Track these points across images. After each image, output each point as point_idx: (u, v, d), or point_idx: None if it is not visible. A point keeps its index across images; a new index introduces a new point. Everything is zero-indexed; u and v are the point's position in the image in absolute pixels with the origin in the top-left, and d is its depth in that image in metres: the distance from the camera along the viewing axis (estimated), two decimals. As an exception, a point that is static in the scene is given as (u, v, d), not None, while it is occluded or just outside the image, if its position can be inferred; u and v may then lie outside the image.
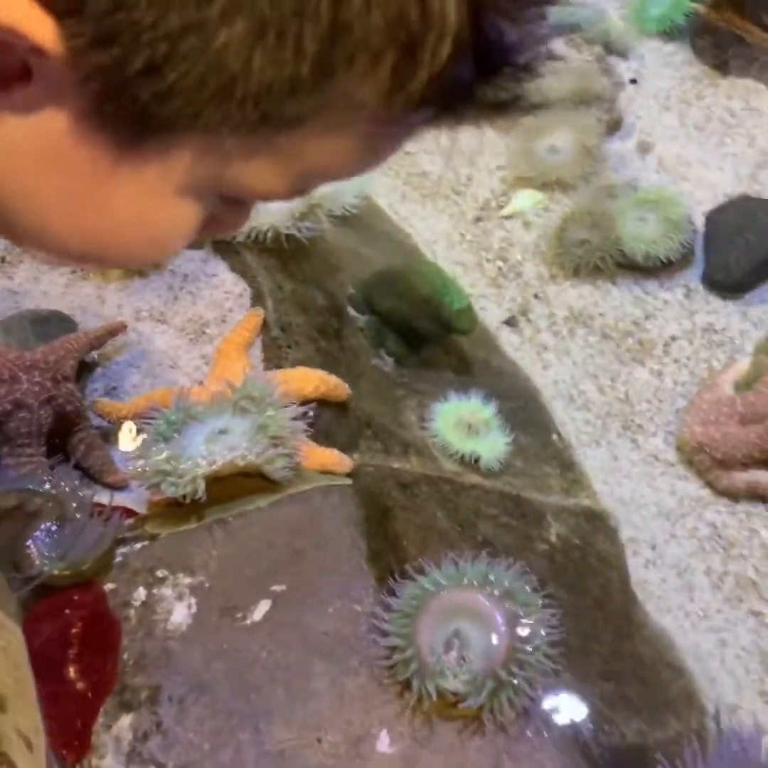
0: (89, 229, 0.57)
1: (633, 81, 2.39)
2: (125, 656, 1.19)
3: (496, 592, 1.18)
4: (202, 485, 1.23)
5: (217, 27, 0.44)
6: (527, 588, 1.20)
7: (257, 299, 1.67)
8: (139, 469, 1.29)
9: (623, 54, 2.43)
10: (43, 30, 0.44)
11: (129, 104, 0.47)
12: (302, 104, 0.48)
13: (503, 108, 0.53)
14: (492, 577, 1.19)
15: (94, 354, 1.61)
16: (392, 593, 1.21)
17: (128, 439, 1.52)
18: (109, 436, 1.52)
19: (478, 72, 0.49)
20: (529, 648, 1.13)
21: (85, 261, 0.63)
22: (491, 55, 0.49)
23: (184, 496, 1.25)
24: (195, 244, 1.77)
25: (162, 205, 0.55)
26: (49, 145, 0.52)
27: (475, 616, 1.17)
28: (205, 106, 0.47)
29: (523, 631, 1.15)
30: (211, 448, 1.28)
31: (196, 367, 1.59)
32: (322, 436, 1.46)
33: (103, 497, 1.41)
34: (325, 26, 0.44)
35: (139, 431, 1.46)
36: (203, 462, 1.24)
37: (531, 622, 1.15)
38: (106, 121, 0.49)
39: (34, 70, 0.48)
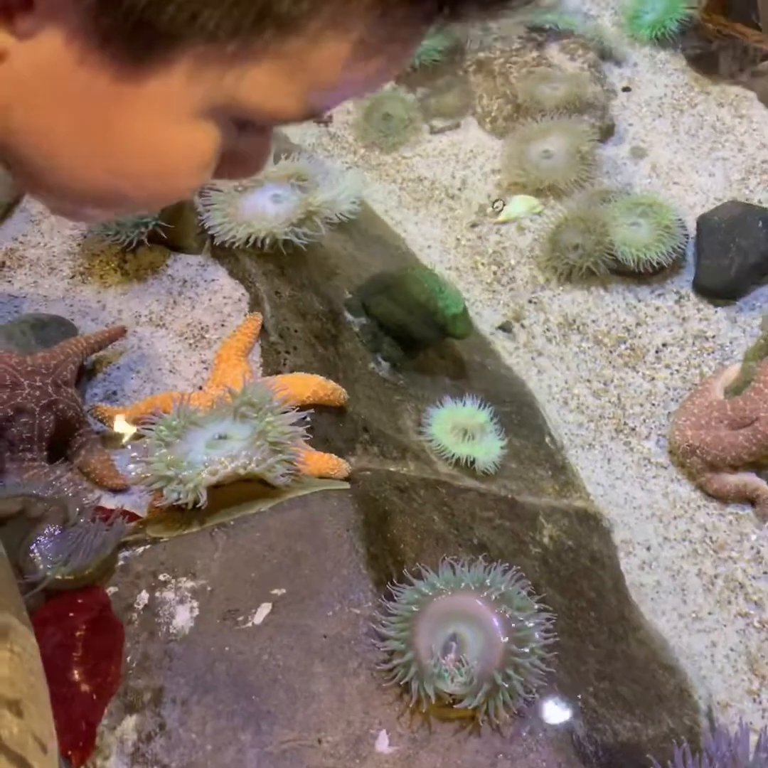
0: (101, 161, 0.56)
1: (626, 89, 2.42)
2: (128, 659, 1.21)
3: (492, 596, 1.20)
4: (204, 494, 1.25)
5: None
6: (523, 592, 1.22)
7: (255, 304, 1.69)
8: (140, 474, 1.31)
9: (617, 60, 2.46)
10: None
11: (125, 15, 0.47)
12: (296, 1, 0.47)
13: (499, 4, 0.52)
14: (488, 581, 1.22)
15: (94, 358, 1.62)
16: (391, 597, 1.23)
17: (128, 443, 1.53)
18: (109, 440, 1.54)
19: None
20: (524, 651, 1.15)
21: (102, 202, 0.61)
22: None
23: (186, 504, 1.27)
24: (194, 250, 1.79)
25: (172, 128, 0.54)
26: (52, 70, 0.50)
27: (472, 619, 1.19)
28: (200, 7, 0.47)
29: (519, 635, 1.17)
30: (212, 454, 1.30)
31: (195, 372, 1.61)
32: (320, 441, 1.48)
33: (104, 502, 1.43)
34: None
35: (139, 436, 1.47)
36: (205, 471, 1.26)
37: (526, 625, 1.18)
38: (104, 38, 0.49)
39: None
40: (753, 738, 1.27)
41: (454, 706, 1.14)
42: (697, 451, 1.77)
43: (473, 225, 2.20)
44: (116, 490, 1.46)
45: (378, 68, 0.54)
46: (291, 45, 0.50)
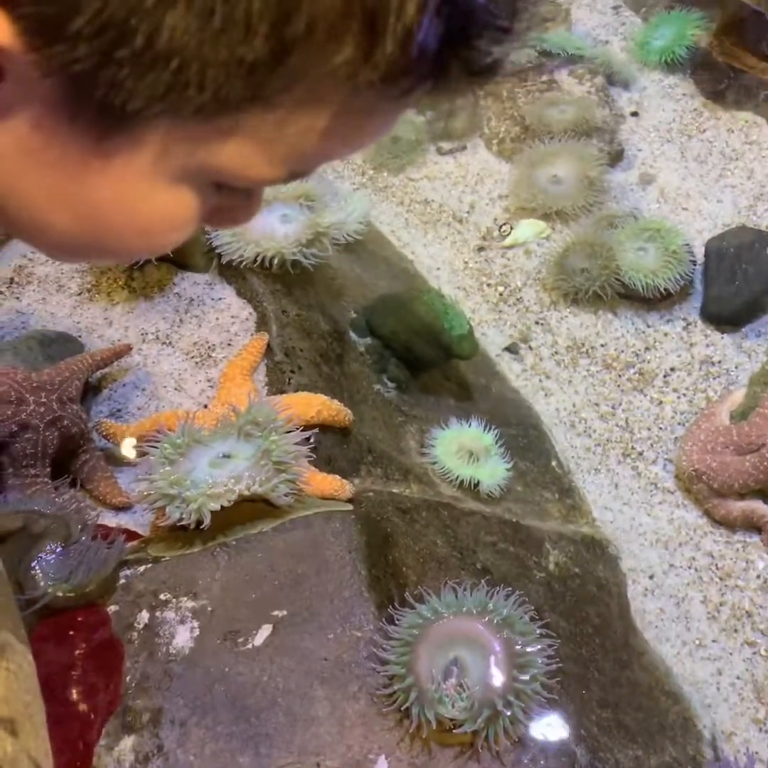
0: (84, 222, 0.57)
1: (634, 113, 2.42)
2: (127, 678, 1.20)
3: (494, 621, 1.19)
4: (208, 516, 1.25)
5: (158, 10, 0.43)
6: (525, 617, 1.21)
7: (262, 324, 1.69)
8: (144, 493, 1.31)
9: (625, 85, 2.47)
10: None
11: (88, 95, 0.48)
12: (266, 82, 0.47)
13: (485, 72, 0.50)
14: (491, 606, 1.21)
15: (99, 375, 1.62)
16: (392, 621, 1.22)
17: (132, 460, 1.53)
18: (113, 457, 1.54)
19: (451, 39, 0.47)
20: (525, 678, 1.14)
21: (90, 255, 0.64)
22: (463, 17, 0.47)
23: (189, 523, 1.26)
24: (201, 268, 1.79)
25: (147, 193, 0.54)
26: (27, 144, 0.52)
27: (474, 644, 1.18)
28: (162, 92, 0.47)
29: (521, 660, 1.16)
30: (216, 474, 1.30)
31: (201, 391, 1.61)
32: (323, 461, 1.48)
33: (106, 519, 1.43)
34: (273, 3, 0.43)
35: (143, 454, 1.47)
36: (209, 498, 1.25)
37: (528, 651, 1.16)
38: (72, 114, 0.50)
39: (5, 71, 0.48)
40: (759, 768, 1.25)
41: (454, 731, 1.12)
42: (704, 477, 1.76)
43: (480, 248, 2.20)
44: (119, 508, 1.46)
45: (360, 135, 0.54)
46: (263, 120, 0.50)
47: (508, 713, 1.12)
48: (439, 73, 0.49)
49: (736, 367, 1.97)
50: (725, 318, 2.02)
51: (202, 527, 1.26)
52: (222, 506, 1.26)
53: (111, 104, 0.48)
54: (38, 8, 0.45)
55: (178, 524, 1.29)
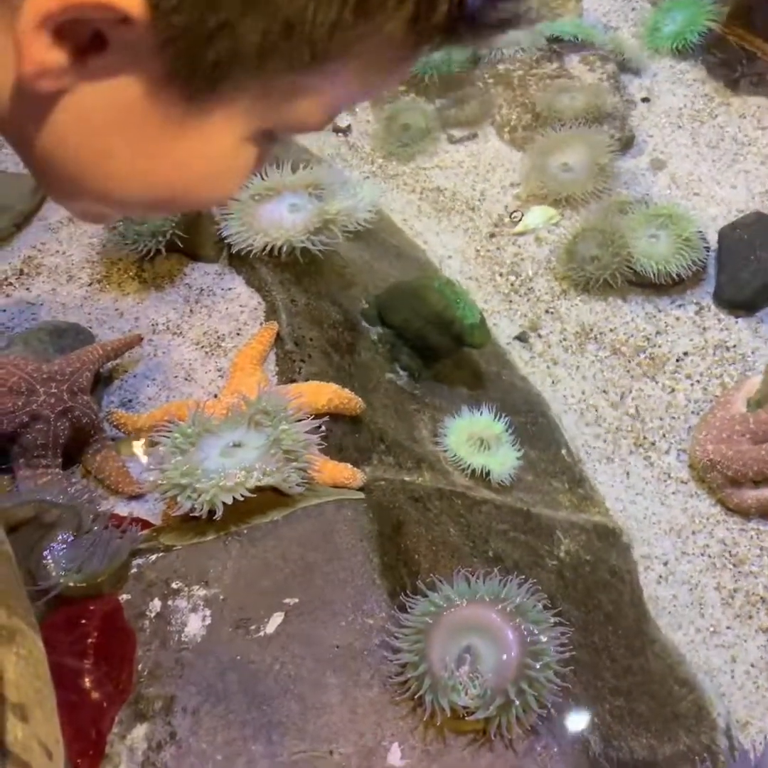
0: (159, 179, 0.62)
1: (645, 100, 2.40)
2: (140, 667, 1.20)
3: (507, 609, 1.18)
4: (221, 508, 1.25)
5: None
6: (538, 605, 1.20)
7: (271, 313, 1.68)
8: (155, 482, 1.30)
9: (636, 72, 2.45)
10: (130, 1, 0.50)
11: (202, 61, 0.53)
12: (343, 40, 0.55)
13: (505, 24, 0.59)
14: (503, 594, 1.20)
15: (110, 366, 1.62)
16: (404, 609, 1.21)
17: (144, 450, 1.53)
18: (125, 447, 1.54)
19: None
20: (538, 665, 1.14)
21: (154, 208, 0.72)
22: None
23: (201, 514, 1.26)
24: (211, 258, 1.79)
25: (225, 151, 0.60)
26: (123, 108, 0.56)
27: (487, 632, 1.18)
28: (267, 54, 0.54)
29: (533, 648, 1.15)
30: (227, 463, 1.30)
31: (211, 380, 1.61)
32: (335, 449, 1.47)
33: (118, 509, 1.43)
34: None
35: (155, 443, 1.47)
36: (222, 491, 1.25)
37: (541, 639, 1.16)
38: (177, 79, 0.55)
39: (111, 40, 0.52)
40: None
41: (467, 719, 1.12)
42: (718, 466, 1.75)
43: (491, 235, 2.19)
44: (131, 497, 1.46)
45: (389, 81, 0.63)
46: (328, 75, 0.57)
47: (521, 700, 1.11)
48: (466, 28, 0.57)
49: (752, 353, 1.95)
50: (739, 303, 2.00)
51: (214, 518, 1.26)
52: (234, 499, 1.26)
53: (222, 66, 0.54)
54: None
55: (189, 514, 1.29)
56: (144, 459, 1.51)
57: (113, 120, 0.57)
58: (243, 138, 0.60)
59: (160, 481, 1.30)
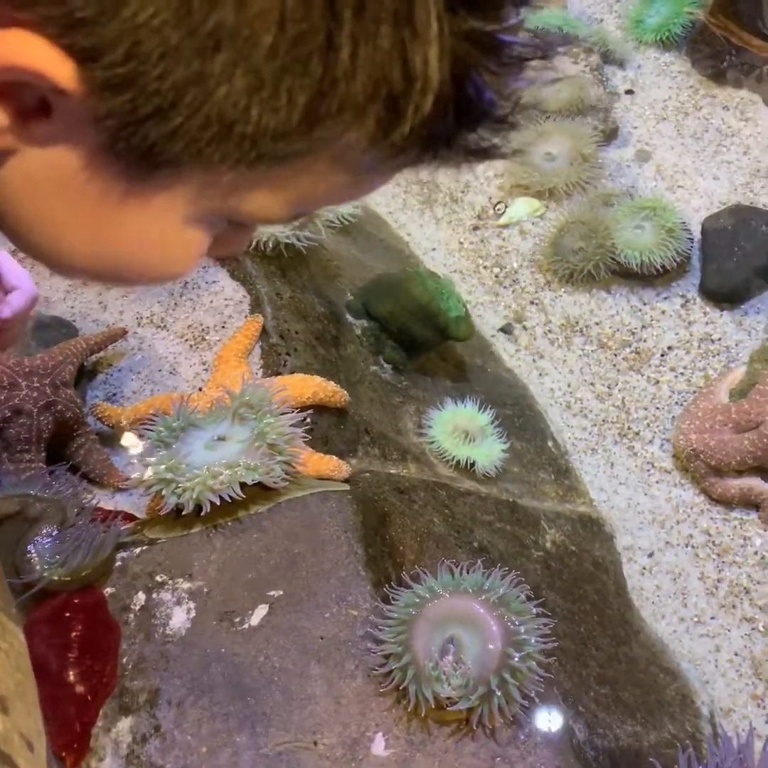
0: (104, 252, 0.61)
1: (629, 92, 2.41)
2: (124, 660, 1.20)
3: (491, 600, 1.19)
4: (208, 505, 1.25)
5: (218, 80, 0.49)
6: (522, 596, 1.21)
7: (256, 306, 1.68)
8: (140, 476, 1.30)
9: (621, 64, 2.45)
10: (64, 72, 0.48)
11: (138, 143, 0.52)
12: (295, 144, 0.53)
13: (482, 154, 0.57)
14: (487, 585, 1.20)
15: (94, 359, 1.62)
16: (388, 601, 1.22)
17: (128, 443, 1.53)
18: (109, 440, 1.54)
19: (458, 123, 0.53)
20: (521, 656, 1.14)
21: (100, 279, 0.68)
22: (471, 108, 0.53)
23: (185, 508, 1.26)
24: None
25: (170, 233, 0.59)
26: (64, 177, 0.55)
27: (470, 623, 1.18)
28: (206, 147, 0.52)
29: (516, 639, 1.16)
30: (211, 457, 1.30)
31: (195, 374, 1.61)
32: (320, 442, 1.47)
33: (102, 503, 1.43)
34: (315, 82, 0.49)
35: (139, 436, 1.47)
36: (208, 491, 1.25)
37: (524, 630, 1.16)
38: (117, 156, 0.53)
39: (54, 108, 0.51)
40: (758, 744, 1.25)
41: (449, 709, 1.12)
42: (701, 456, 1.76)
43: (475, 228, 2.19)
44: (115, 490, 1.45)
45: (364, 188, 0.61)
46: (285, 174, 0.55)
47: (503, 690, 1.12)
48: (443, 148, 0.55)
49: (736, 345, 1.95)
50: (724, 294, 2.01)
51: (201, 514, 1.26)
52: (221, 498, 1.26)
53: (158, 152, 0.52)
54: (109, 70, 0.49)
55: (176, 510, 1.29)
56: (129, 452, 1.51)
57: (56, 188, 0.56)
58: (192, 220, 0.58)
59: (144, 476, 1.30)
